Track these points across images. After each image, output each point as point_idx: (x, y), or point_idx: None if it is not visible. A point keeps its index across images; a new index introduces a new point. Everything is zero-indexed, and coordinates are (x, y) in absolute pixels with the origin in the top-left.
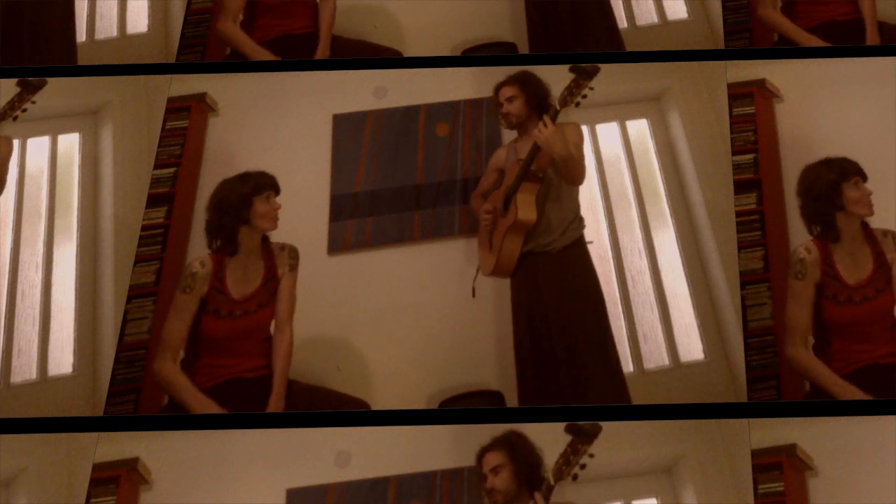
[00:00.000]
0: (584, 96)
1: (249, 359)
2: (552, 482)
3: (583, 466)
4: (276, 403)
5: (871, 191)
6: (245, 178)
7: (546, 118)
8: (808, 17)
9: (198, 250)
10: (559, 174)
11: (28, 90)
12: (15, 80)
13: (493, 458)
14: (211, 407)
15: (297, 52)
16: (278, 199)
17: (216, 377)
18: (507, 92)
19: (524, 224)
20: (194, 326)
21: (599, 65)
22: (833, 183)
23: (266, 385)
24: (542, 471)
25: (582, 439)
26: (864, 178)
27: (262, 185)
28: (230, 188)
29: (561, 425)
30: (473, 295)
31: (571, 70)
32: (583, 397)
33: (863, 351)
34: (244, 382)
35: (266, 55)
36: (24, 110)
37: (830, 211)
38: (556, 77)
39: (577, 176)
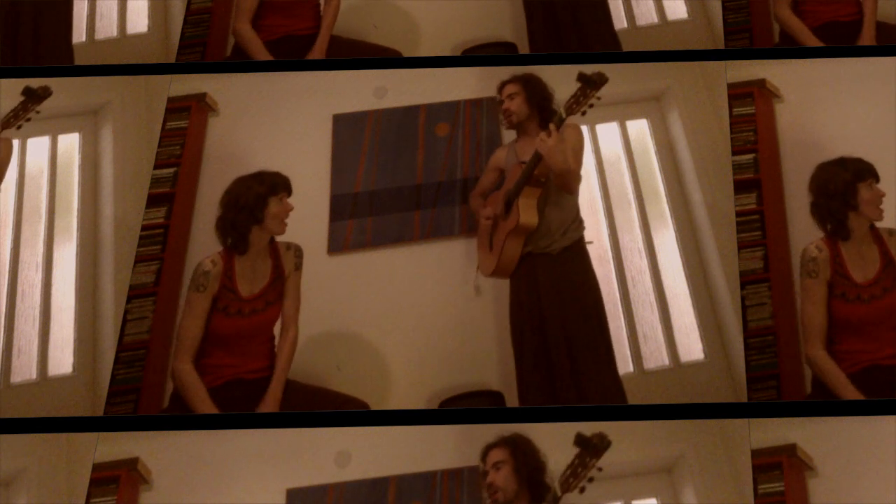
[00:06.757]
0: (591, 105)
1: (252, 360)
2: (559, 493)
3: (591, 479)
4: (272, 398)
5: (884, 192)
6: (261, 177)
7: (551, 127)
8: (812, 17)
9: (198, 250)
10: (555, 182)
11: (33, 100)
12: (20, 90)
13: (495, 454)
14: None
15: (299, 54)
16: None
17: (218, 377)
18: (510, 89)
19: (526, 228)
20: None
21: (599, 65)
22: (849, 183)
23: (266, 388)
24: (545, 476)
25: (590, 452)
26: (877, 179)
27: (277, 185)
28: (246, 186)
29: (564, 430)
30: (477, 293)
31: (578, 79)
32: (583, 398)
33: (865, 352)
34: (245, 384)
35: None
36: (29, 119)
37: (844, 210)
38: (560, 80)
39: (572, 187)
